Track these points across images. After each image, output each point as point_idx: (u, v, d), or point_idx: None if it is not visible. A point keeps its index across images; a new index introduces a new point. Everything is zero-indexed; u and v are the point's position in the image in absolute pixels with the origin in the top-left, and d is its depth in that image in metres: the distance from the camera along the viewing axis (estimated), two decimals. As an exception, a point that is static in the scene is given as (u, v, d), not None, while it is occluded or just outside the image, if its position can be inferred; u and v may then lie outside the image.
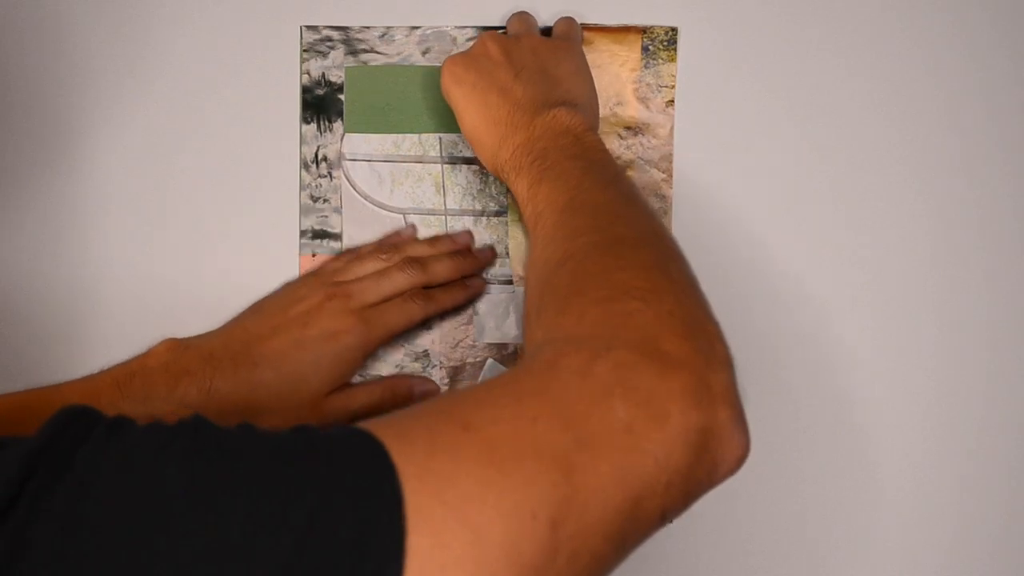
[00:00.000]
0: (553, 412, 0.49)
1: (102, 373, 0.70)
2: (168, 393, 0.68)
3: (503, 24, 0.78)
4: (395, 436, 0.48)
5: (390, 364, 0.78)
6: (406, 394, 0.75)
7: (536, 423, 0.49)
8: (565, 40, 0.75)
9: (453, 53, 0.76)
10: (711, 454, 0.52)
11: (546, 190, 0.64)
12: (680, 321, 0.54)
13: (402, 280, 0.74)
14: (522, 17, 0.77)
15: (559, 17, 0.78)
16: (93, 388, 0.68)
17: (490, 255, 0.78)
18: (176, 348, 0.70)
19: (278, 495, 0.45)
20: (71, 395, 0.67)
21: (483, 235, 0.78)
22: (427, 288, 0.75)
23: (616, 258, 0.58)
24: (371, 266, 0.74)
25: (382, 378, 0.77)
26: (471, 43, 0.77)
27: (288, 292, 0.74)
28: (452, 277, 0.76)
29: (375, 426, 0.49)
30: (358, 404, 0.73)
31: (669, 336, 0.52)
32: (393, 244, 0.76)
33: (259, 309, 0.74)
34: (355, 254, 0.77)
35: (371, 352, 0.73)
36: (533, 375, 0.52)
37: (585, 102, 0.72)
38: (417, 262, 0.74)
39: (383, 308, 0.73)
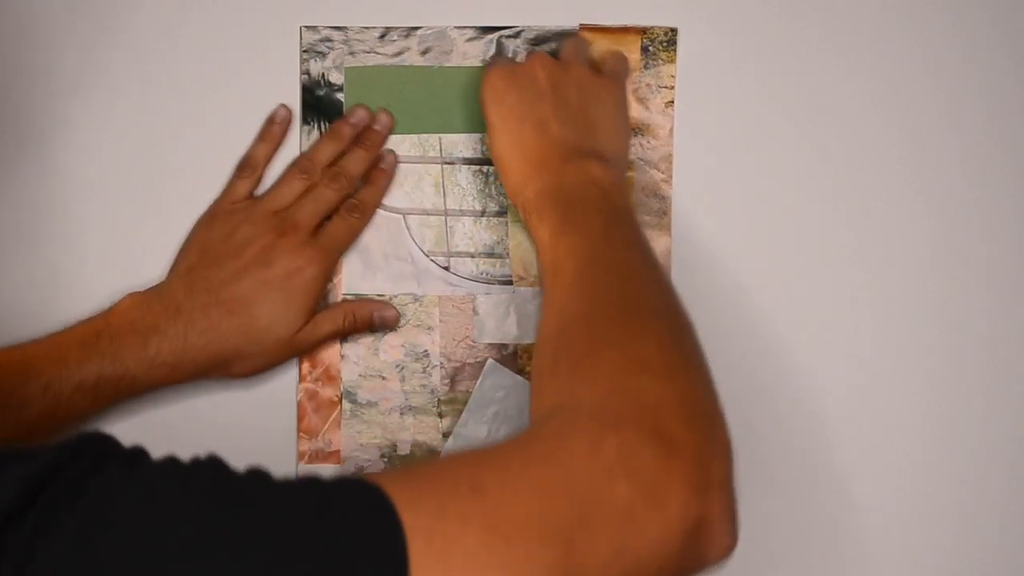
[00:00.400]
0: (560, 485, 0.51)
1: (65, 332, 0.71)
2: (140, 352, 0.70)
3: (504, 24, 0.78)
4: (405, 493, 0.49)
5: (390, 365, 0.78)
6: (367, 319, 0.76)
7: (542, 494, 0.50)
8: (612, 80, 0.75)
9: (498, 60, 0.76)
10: (702, 543, 0.53)
11: (569, 241, 0.65)
12: (689, 405, 0.55)
13: (333, 196, 0.75)
14: (577, 44, 0.76)
15: (613, 52, 0.77)
16: (60, 348, 0.69)
17: (388, 121, 0.78)
18: (140, 304, 0.72)
19: (287, 550, 0.46)
20: (37, 356, 0.68)
21: (483, 235, 0.78)
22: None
23: (634, 327, 0.59)
24: (297, 187, 0.75)
25: (343, 303, 0.77)
26: (522, 59, 0.76)
27: (227, 234, 0.74)
28: (369, 166, 0.77)
29: (385, 481, 0.50)
30: (324, 332, 0.75)
31: (677, 420, 0.53)
32: (308, 159, 0.76)
33: (207, 258, 0.73)
34: (250, 167, 0.76)
35: (331, 277, 0.76)
36: (543, 442, 0.53)
37: (617, 155, 0.73)
38: (339, 172, 0.75)
39: (330, 231, 0.75)
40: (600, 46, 0.78)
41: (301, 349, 0.75)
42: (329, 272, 0.75)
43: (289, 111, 0.77)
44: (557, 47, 0.77)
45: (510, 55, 0.78)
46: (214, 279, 0.72)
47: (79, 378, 0.69)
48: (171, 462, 0.50)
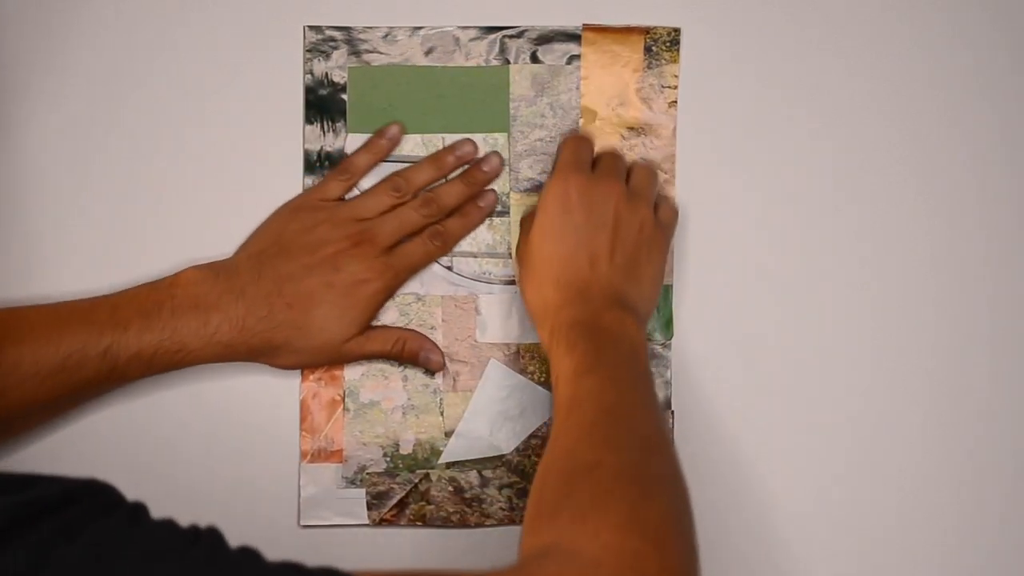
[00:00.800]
0: None
1: (128, 296, 0.72)
2: (200, 328, 0.71)
3: (507, 24, 0.78)
4: None
5: (393, 364, 0.78)
6: (414, 353, 0.77)
7: None
8: (665, 234, 0.75)
9: (579, 150, 0.75)
10: None
11: (593, 383, 0.65)
12: None
13: (419, 220, 0.76)
14: (650, 177, 0.75)
15: (670, 201, 0.77)
16: (122, 315, 0.70)
17: (497, 164, 0.78)
18: (205, 280, 0.72)
19: None
20: (99, 318, 0.69)
21: (486, 235, 0.79)
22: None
23: (643, 489, 0.59)
24: (386, 201, 0.76)
25: (400, 329, 0.77)
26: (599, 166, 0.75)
27: (306, 229, 0.74)
28: (464, 201, 0.77)
29: None
30: (371, 349, 0.76)
31: None
32: (404, 178, 0.76)
33: (280, 247, 0.74)
34: (348, 172, 0.77)
35: (394, 294, 0.77)
36: None
37: (648, 315, 0.74)
38: (432, 198, 0.76)
39: (407, 251, 0.76)
40: (603, 46, 0.78)
41: (346, 358, 0.76)
42: (393, 290, 0.76)
43: (401, 130, 0.77)
44: (603, 163, 0.75)
45: (512, 56, 0.78)
46: (282, 270, 0.73)
47: (138, 347, 0.70)
48: (171, 526, 0.51)
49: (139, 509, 0.52)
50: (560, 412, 0.65)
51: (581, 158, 0.74)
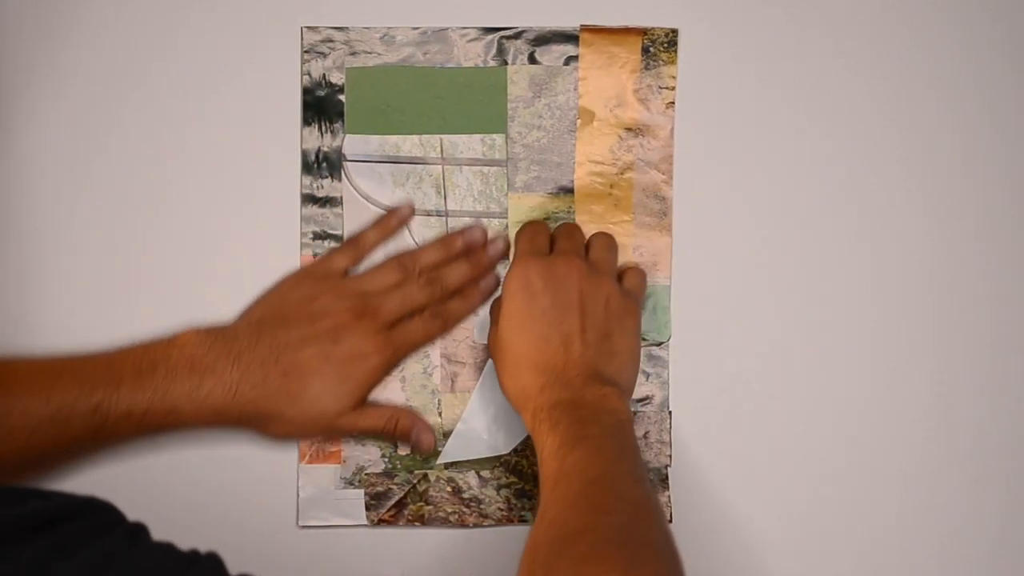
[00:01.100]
0: None
1: (123, 353, 0.71)
2: (192, 391, 0.70)
3: (505, 25, 0.78)
4: None
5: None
6: (407, 431, 0.76)
7: None
8: (634, 303, 0.74)
9: (534, 237, 0.75)
10: None
11: (578, 456, 0.65)
12: None
13: (422, 299, 0.75)
14: (609, 245, 0.76)
15: (636, 268, 0.77)
16: (115, 371, 0.69)
17: (503, 248, 0.78)
18: (204, 342, 0.71)
19: None
20: (91, 373, 0.68)
21: (484, 236, 0.79)
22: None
23: (634, 554, 0.59)
24: (391, 278, 0.75)
25: (394, 408, 0.77)
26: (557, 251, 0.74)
27: (308, 299, 0.74)
28: (468, 283, 0.77)
29: None
30: (365, 425, 0.74)
31: None
32: (411, 257, 0.77)
33: (281, 316, 0.73)
34: (357, 246, 0.77)
35: (391, 372, 0.76)
36: None
37: (631, 386, 0.74)
38: (436, 278, 0.76)
39: (408, 328, 0.75)
40: (601, 47, 0.78)
41: (339, 432, 0.75)
42: (391, 367, 0.75)
43: (412, 211, 0.78)
44: (560, 237, 0.76)
45: (510, 57, 0.78)
46: (281, 338, 0.72)
47: (128, 406, 0.68)
48: (170, 549, 0.52)
49: (139, 530, 0.52)
50: (547, 486, 0.65)
51: (537, 243, 0.75)
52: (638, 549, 0.59)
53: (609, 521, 0.61)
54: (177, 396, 0.69)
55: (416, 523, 0.77)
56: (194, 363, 0.70)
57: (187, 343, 0.71)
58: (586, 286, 0.71)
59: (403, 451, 0.78)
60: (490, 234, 0.78)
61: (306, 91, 0.78)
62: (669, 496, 0.78)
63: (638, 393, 0.78)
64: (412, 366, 0.78)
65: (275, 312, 0.74)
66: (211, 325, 0.73)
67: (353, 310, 0.73)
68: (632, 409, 0.78)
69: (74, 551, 0.48)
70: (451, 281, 0.77)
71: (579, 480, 0.64)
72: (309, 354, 0.72)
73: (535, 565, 0.60)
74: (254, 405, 0.71)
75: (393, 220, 0.78)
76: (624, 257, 0.79)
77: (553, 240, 0.76)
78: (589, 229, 0.78)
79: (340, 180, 0.78)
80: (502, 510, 0.78)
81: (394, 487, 0.78)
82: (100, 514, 0.51)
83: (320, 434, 0.75)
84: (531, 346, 0.71)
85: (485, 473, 0.78)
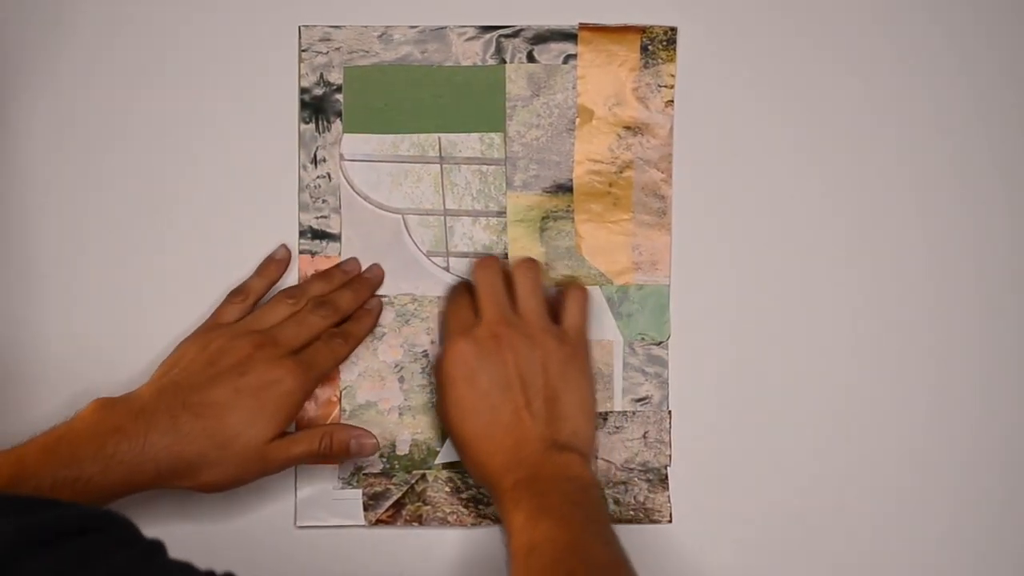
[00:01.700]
0: None
1: (31, 441, 0.68)
2: (96, 451, 0.66)
3: (503, 24, 0.78)
4: None
5: (389, 365, 0.78)
6: (344, 445, 0.73)
7: None
8: (573, 344, 0.74)
9: (455, 332, 0.74)
10: None
11: (546, 527, 0.66)
12: None
13: (318, 322, 0.74)
14: (532, 289, 0.74)
15: (571, 293, 0.75)
16: (21, 456, 0.66)
17: (379, 273, 0.78)
18: (104, 407, 0.69)
19: None
20: (5, 455, 0.66)
21: (482, 235, 0.78)
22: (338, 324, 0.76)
23: None
24: (282, 311, 0.74)
25: (324, 425, 0.76)
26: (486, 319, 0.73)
27: (205, 345, 0.72)
28: (356, 307, 0.76)
29: None
30: (298, 451, 0.72)
31: None
32: (298, 288, 0.76)
33: (182, 368, 0.71)
34: (243, 294, 0.76)
35: (309, 396, 0.74)
36: None
37: (589, 443, 0.73)
38: (325, 301, 0.75)
39: (313, 351, 0.73)
40: (599, 46, 0.78)
41: (273, 465, 0.71)
42: (308, 390, 0.72)
43: (289, 252, 0.77)
44: (507, 264, 0.76)
45: (508, 55, 0.78)
46: (184, 384, 0.70)
47: (35, 482, 0.65)
48: (188, 568, 0.51)
49: (156, 547, 0.52)
50: (519, 558, 0.66)
51: (462, 317, 0.74)
52: None
53: None
54: (83, 460, 0.66)
55: (414, 523, 0.77)
56: (96, 427, 0.67)
57: (90, 411, 0.68)
58: (520, 352, 0.72)
59: (401, 451, 0.78)
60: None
61: (304, 90, 0.78)
62: (668, 496, 0.78)
63: (638, 393, 0.78)
64: (410, 366, 0.78)
65: (174, 368, 0.72)
66: (117, 396, 0.70)
67: (254, 343, 0.71)
68: (632, 410, 0.78)
69: (95, 564, 0.47)
70: (341, 304, 0.75)
71: (549, 550, 0.65)
72: (219, 392, 0.69)
73: None
74: (169, 452, 0.67)
75: (272, 264, 0.77)
76: (625, 257, 0.78)
77: (475, 299, 0.75)
78: (589, 228, 0.78)
79: (338, 179, 0.78)
80: (501, 510, 0.78)
81: (392, 487, 0.77)
82: (119, 529, 0.51)
83: (256, 472, 0.70)
84: (482, 434, 0.71)
85: (484, 473, 0.78)
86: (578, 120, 0.78)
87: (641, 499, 0.78)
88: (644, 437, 0.78)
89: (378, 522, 0.77)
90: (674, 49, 0.78)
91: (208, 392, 0.69)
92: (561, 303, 0.76)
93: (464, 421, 0.72)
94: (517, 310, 0.74)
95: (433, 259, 0.78)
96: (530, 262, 0.76)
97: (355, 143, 0.78)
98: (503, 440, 0.70)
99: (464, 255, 0.78)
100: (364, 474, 0.77)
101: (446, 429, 0.74)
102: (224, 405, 0.69)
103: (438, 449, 0.78)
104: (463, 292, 0.77)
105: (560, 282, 0.78)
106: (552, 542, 0.65)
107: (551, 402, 0.71)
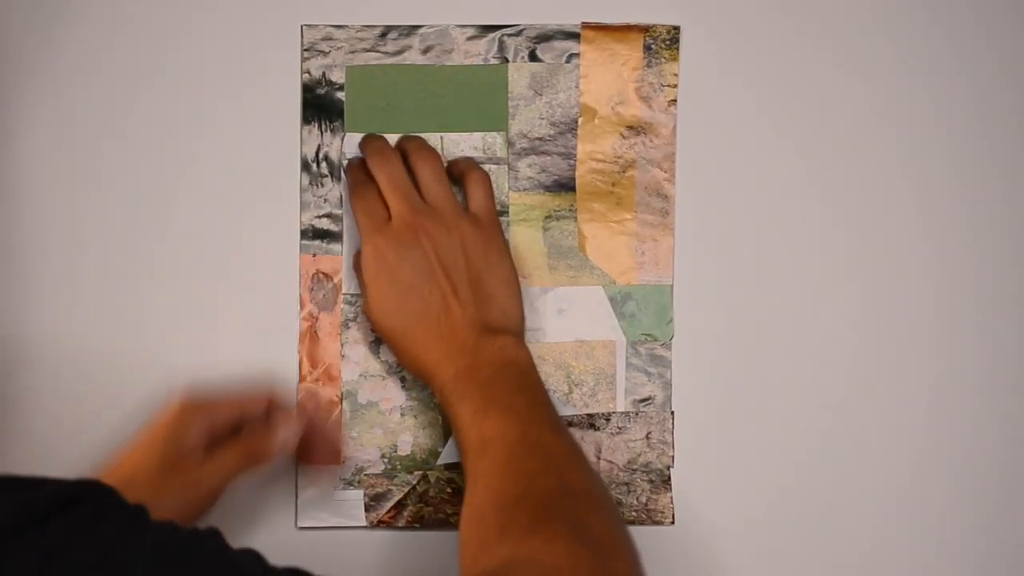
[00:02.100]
0: None
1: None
2: None
3: (505, 23, 0.78)
4: None
5: (391, 365, 0.77)
6: (267, 446, 0.71)
7: None
8: (489, 225, 0.73)
9: (368, 228, 0.72)
10: None
11: (493, 421, 0.66)
12: None
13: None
14: (435, 172, 0.73)
15: (470, 172, 0.75)
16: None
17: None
18: None
19: None
20: None
21: (484, 235, 0.78)
22: None
23: (576, 505, 0.61)
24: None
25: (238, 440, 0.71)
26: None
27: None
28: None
29: None
30: (226, 471, 0.70)
31: None
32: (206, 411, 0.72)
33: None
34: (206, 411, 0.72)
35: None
36: None
37: (519, 321, 0.73)
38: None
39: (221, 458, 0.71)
40: (602, 45, 0.78)
41: (210, 492, 0.70)
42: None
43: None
44: (407, 149, 0.75)
45: (511, 54, 0.78)
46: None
47: None
48: (174, 527, 0.52)
49: (142, 511, 0.52)
50: (470, 457, 0.66)
51: (373, 214, 0.73)
52: (578, 499, 0.61)
53: (542, 483, 0.62)
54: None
55: (416, 524, 0.77)
56: None
57: None
58: (437, 240, 0.71)
59: (403, 452, 0.77)
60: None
61: (306, 89, 0.78)
62: (671, 497, 0.77)
63: (640, 393, 0.78)
64: (412, 366, 0.78)
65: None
66: None
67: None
68: (634, 410, 0.78)
69: (87, 534, 0.48)
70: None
71: (500, 447, 0.65)
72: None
73: (486, 534, 0.60)
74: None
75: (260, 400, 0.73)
76: (628, 256, 0.78)
77: (381, 192, 0.73)
78: (592, 228, 0.78)
79: (340, 179, 0.78)
80: (503, 512, 0.77)
81: (393, 488, 0.77)
82: (105, 496, 0.51)
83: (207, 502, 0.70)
84: (412, 323, 0.71)
85: (486, 474, 0.77)
86: (581, 119, 0.78)
87: (644, 500, 0.77)
88: (647, 438, 0.78)
89: (379, 523, 0.77)
90: (677, 48, 0.78)
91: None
92: (464, 187, 0.75)
93: (392, 316, 0.71)
94: (425, 198, 0.73)
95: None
96: (426, 147, 0.75)
97: (357, 142, 0.78)
98: (436, 329, 0.70)
99: (466, 255, 0.78)
100: (365, 475, 0.77)
101: (376, 329, 0.73)
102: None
103: (440, 450, 0.77)
104: (366, 182, 0.75)
105: (454, 168, 0.76)
106: (502, 438, 0.65)
107: (476, 284, 0.71)
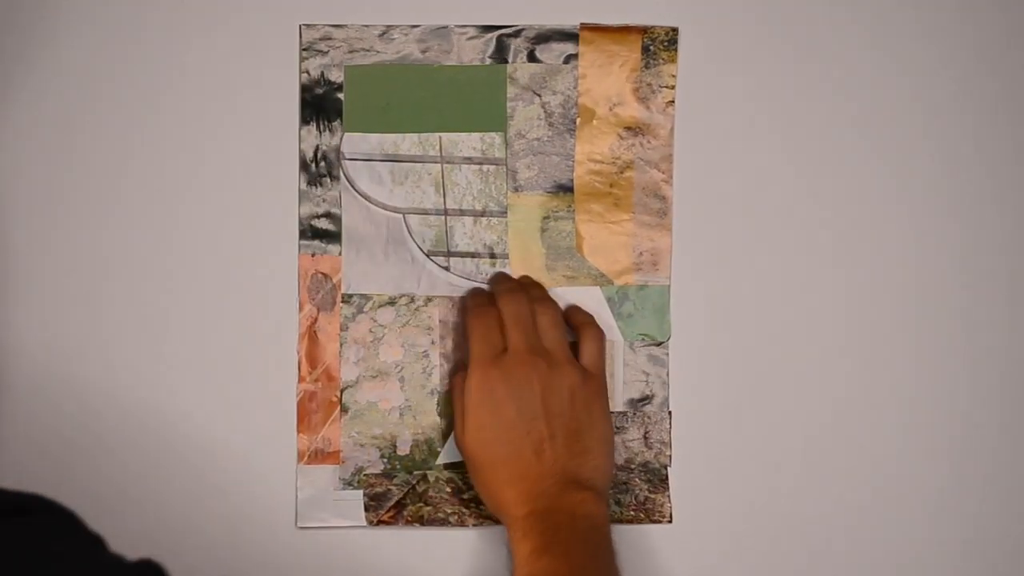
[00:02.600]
0: None
1: None
2: None
3: (504, 23, 0.78)
4: None
5: (390, 365, 0.77)
6: None
7: None
8: (595, 378, 0.74)
9: (483, 357, 0.73)
10: None
11: (547, 561, 0.67)
12: None
13: None
14: (555, 322, 0.74)
15: (588, 331, 0.75)
16: None
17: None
18: None
19: None
20: None
21: (483, 235, 0.78)
22: None
23: None
24: None
25: None
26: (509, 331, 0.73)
27: None
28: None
29: None
30: None
31: None
32: None
33: None
34: None
35: None
36: None
37: (607, 482, 0.73)
38: None
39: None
40: (601, 46, 0.78)
41: None
42: None
43: None
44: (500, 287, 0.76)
45: (509, 55, 0.78)
46: None
47: None
48: (120, 561, 0.52)
49: (96, 539, 0.52)
50: None
51: (491, 342, 0.73)
52: None
53: None
54: None
55: (415, 524, 0.77)
56: None
57: None
58: (548, 383, 0.71)
59: (402, 452, 0.77)
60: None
61: (304, 89, 0.78)
62: (669, 496, 0.78)
63: (638, 393, 0.78)
64: (411, 366, 0.78)
65: None
66: None
67: None
68: (632, 410, 0.78)
69: (36, 544, 0.48)
70: None
71: None
72: None
73: None
74: None
75: None
76: (625, 257, 0.78)
77: (502, 326, 0.73)
78: (590, 229, 0.78)
79: (338, 179, 0.78)
80: (501, 511, 0.78)
81: (393, 488, 0.77)
82: (60, 516, 0.51)
83: None
84: (503, 462, 0.71)
85: (484, 473, 0.78)
86: (579, 120, 0.78)
87: (641, 499, 0.78)
88: (644, 437, 0.78)
89: (379, 523, 0.77)
90: (675, 50, 0.78)
91: None
92: (579, 339, 0.75)
93: (486, 447, 0.72)
94: (542, 341, 0.74)
95: (434, 259, 0.78)
96: (549, 297, 0.76)
97: (356, 142, 0.78)
98: (526, 470, 0.70)
99: (465, 255, 0.78)
100: (365, 475, 0.77)
101: (464, 453, 0.74)
102: None
103: (439, 449, 0.78)
104: (488, 311, 0.75)
105: (572, 318, 0.77)
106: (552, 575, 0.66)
107: (575, 436, 0.71)
